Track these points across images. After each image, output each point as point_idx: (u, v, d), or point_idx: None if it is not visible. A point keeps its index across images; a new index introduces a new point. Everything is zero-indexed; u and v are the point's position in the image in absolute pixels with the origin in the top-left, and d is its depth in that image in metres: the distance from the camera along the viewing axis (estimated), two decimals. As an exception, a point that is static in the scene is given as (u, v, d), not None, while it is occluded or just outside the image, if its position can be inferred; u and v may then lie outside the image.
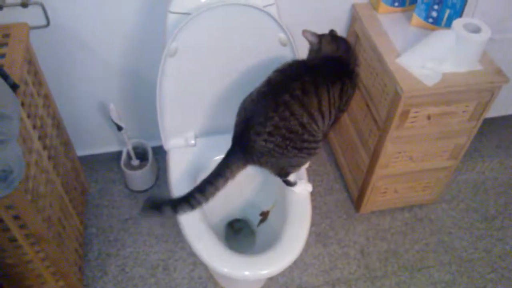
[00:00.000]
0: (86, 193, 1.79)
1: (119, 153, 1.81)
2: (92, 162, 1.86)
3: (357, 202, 1.82)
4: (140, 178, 1.78)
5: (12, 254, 1.25)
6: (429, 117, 1.44)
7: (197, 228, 1.23)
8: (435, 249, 1.76)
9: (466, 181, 1.99)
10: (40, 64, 1.40)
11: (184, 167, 1.37)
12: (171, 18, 1.21)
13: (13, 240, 1.20)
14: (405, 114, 1.41)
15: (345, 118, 1.80)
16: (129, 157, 1.77)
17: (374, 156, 1.59)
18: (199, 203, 1.16)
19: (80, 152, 1.79)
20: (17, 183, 0.91)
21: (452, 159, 1.66)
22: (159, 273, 1.61)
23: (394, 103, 1.39)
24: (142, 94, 1.64)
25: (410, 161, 1.62)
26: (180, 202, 1.16)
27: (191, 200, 1.16)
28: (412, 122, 1.45)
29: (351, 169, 1.84)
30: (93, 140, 1.81)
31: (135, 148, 1.78)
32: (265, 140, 1.14)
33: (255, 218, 1.55)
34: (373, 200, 1.77)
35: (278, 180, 1.40)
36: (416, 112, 1.42)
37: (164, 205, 1.17)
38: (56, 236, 1.33)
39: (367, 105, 1.59)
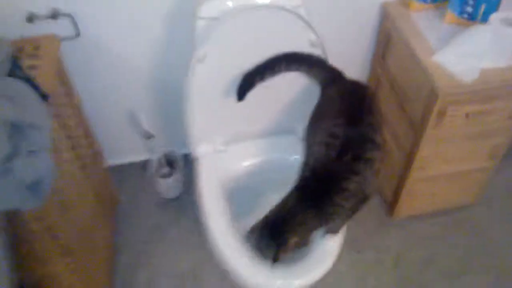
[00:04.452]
0: (116, 202, 1.78)
1: (147, 162, 1.79)
2: (122, 171, 1.85)
3: (391, 207, 1.76)
4: (170, 185, 1.76)
5: (42, 266, 1.24)
6: (467, 116, 1.38)
7: (225, 238, 1.20)
8: (476, 254, 1.68)
9: (507, 181, 1.89)
10: (70, 74, 1.40)
11: (213, 174, 1.34)
12: (200, 23, 1.19)
13: (44, 251, 1.19)
14: (442, 113, 1.35)
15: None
16: (158, 165, 1.75)
17: (410, 158, 1.53)
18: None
19: (109, 161, 1.78)
20: (47, 194, 0.90)
21: (491, 159, 1.59)
22: (189, 283, 1.58)
23: (431, 102, 1.33)
24: (171, 101, 1.62)
25: (447, 163, 1.56)
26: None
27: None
28: (450, 121, 1.39)
29: (385, 172, 1.78)
30: (122, 149, 1.81)
31: (164, 156, 1.76)
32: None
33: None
34: (409, 205, 1.71)
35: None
36: (454, 110, 1.36)
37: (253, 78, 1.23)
38: (87, 247, 1.32)
39: (401, 106, 1.54)
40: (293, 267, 1.15)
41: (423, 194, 1.68)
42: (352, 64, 1.71)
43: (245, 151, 1.41)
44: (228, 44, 1.21)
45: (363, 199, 1.15)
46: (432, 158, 1.52)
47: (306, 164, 1.15)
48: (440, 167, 1.57)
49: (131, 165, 1.86)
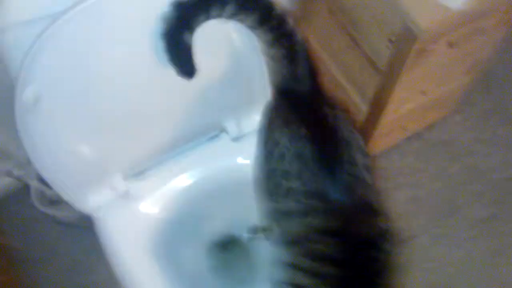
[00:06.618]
0: (7, 251, 1.29)
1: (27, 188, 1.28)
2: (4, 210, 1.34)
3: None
4: (67, 211, 1.29)
5: None
6: (450, 44, 0.99)
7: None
8: (459, 179, 1.42)
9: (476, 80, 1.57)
10: None
11: (129, 231, 0.90)
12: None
13: None
14: (420, 52, 0.95)
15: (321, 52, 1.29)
16: (38, 192, 1.26)
17: (377, 106, 1.15)
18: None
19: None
20: None
21: (469, 74, 1.25)
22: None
23: (405, 44, 0.92)
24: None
25: (422, 95, 1.20)
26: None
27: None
28: (428, 56, 0.99)
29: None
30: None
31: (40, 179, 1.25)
32: None
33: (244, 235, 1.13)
34: (375, 144, 1.37)
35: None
36: (434, 45, 0.96)
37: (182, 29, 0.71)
38: None
39: (353, 40, 1.10)
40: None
41: (392, 131, 1.34)
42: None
43: (166, 176, 0.96)
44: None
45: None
46: (405, 98, 1.15)
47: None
48: (414, 102, 1.21)
49: (9, 198, 1.34)
